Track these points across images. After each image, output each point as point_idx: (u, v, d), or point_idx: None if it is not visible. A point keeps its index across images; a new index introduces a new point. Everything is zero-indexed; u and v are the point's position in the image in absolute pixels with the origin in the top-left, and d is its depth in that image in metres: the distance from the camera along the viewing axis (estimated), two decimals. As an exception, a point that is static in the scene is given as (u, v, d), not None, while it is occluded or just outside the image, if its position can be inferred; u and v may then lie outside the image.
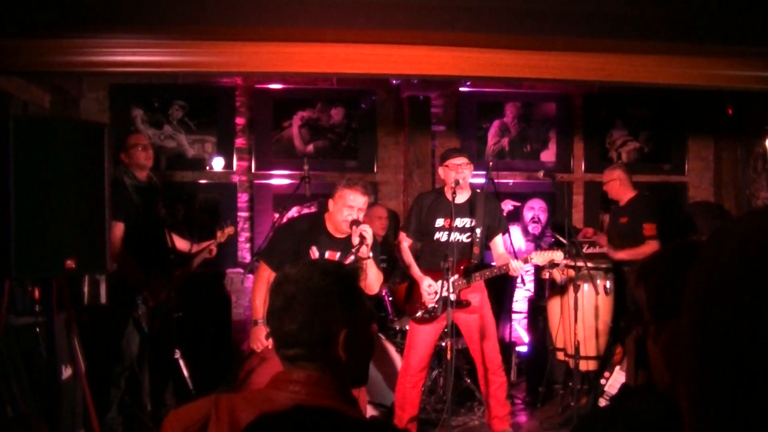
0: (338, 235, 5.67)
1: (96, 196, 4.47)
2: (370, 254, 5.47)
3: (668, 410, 1.68)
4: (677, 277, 1.57)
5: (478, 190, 6.53)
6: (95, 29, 5.63)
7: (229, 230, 7.15)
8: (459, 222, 6.29)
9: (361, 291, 2.33)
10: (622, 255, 7.46)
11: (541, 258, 6.30)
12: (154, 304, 6.37)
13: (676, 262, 1.81)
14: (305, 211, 8.20)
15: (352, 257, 5.49)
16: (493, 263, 6.56)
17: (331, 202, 5.66)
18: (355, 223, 5.47)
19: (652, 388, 1.86)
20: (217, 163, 8.85)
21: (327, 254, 5.67)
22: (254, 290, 5.78)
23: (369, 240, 5.39)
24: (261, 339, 5.54)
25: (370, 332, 2.37)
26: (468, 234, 6.34)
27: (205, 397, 2.14)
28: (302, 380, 2.12)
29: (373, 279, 5.62)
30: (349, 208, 5.52)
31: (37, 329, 5.17)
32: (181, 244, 6.97)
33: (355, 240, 5.40)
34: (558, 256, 6.30)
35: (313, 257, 5.62)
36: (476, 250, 6.35)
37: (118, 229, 6.10)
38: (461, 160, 6.23)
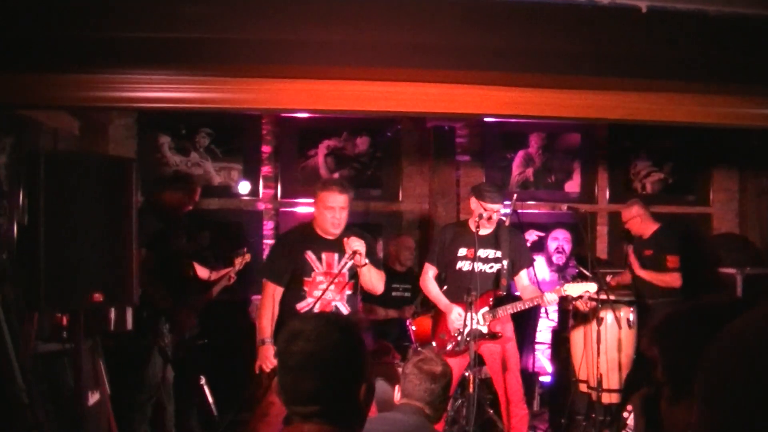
0: (328, 237, 5.79)
1: (123, 230, 4.56)
2: (366, 261, 5.58)
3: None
4: (695, 341, 1.56)
5: (504, 218, 6.55)
6: (124, 65, 5.70)
7: (246, 258, 7.21)
8: (482, 253, 6.32)
9: (363, 339, 2.36)
10: (644, 274, 7.51)
11: (575, 290, 6.32)
12: (181, 334, 6.44)
13: (694, 325, 1.79)
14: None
15: (350, 263, 5.61)
16: (516, 293, 6.59)
17: (315, 210, 5.82)
18: (345, 235, 5.63)
19: None
20: (243, 187, 8.91)
21: (324, 256, 5.80)
22: (260, 309, 5.87)
23: (362, 250, 5.53)
24: (270, 358, 5.58)
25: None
26: (491, 265, 6.37)
27: None
28: None
29: (376, 280, 5.80)
30: (331, 210, 5.67)
31: (64, 356, 5.24)
32: (202, 272, 7.04)
33: (348, 250, 5.53)
34: (592, 287, 6.33)
35: (310, 262, 5.75)
36: (504, 282, 6.37)
37: (142, 255, 6.18)
38: (497, 207, 6.26)
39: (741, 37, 5.36)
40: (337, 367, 2.18)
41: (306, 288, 5.77)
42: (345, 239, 5.59)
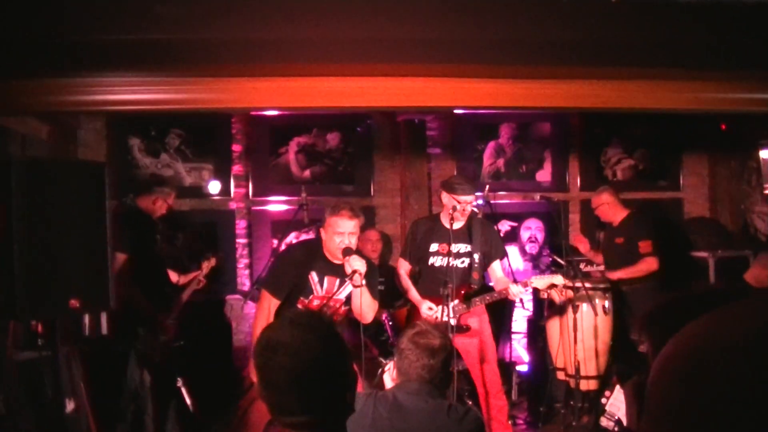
0: (335, 261, 5.68)
1: (98, 234, 4.53)
2: (363, 282, 5.45)
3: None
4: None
5: (476, 210, 6.54)
6: (93, 69, 5.66)
7: (212, 262, 7.21)
8: (454, 247, 6.33)
9: (342, 342, 2.34)
10: (619, 275, 7.51)
11: (541, 282, 6.34)
12: (160, 336, 6.43)
13: (681, 312, 1.81)
14: (304, 236, 8.20)
15: (349, 287, 5.55)
16: (490, 284, 6.61)
17: (322, 231, 5.71)
18: (347, 252, 5.48)
19: None
20: (214, 187, 8.88)
21: (326, 280, 5.71)
22: (256, 320, 5.78)
23: (362, 269, 5.41)
24: None
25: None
26: (463, 259, 6.39)
27: None
28: None
29: (366, 307, 5.60)
30: (340, 234, 5.55)
31: (41, 364, 5.20)
32: (172, 276, 7.04)
33: (348, 269, 5.43)
34: (558, 280, 6.35)
35: (311, 284, 5.67)
36: (475, 275, 6.39)
37: (121, 260, 6.15)
38: (469, 198, 6.28)
39: (710, 23, 5.40)
40: (322, 379, 2.17)
41: (300, 307, 5.71)
42: (346, 257, 5.47)
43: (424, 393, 3.60)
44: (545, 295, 7.24)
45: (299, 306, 5.69)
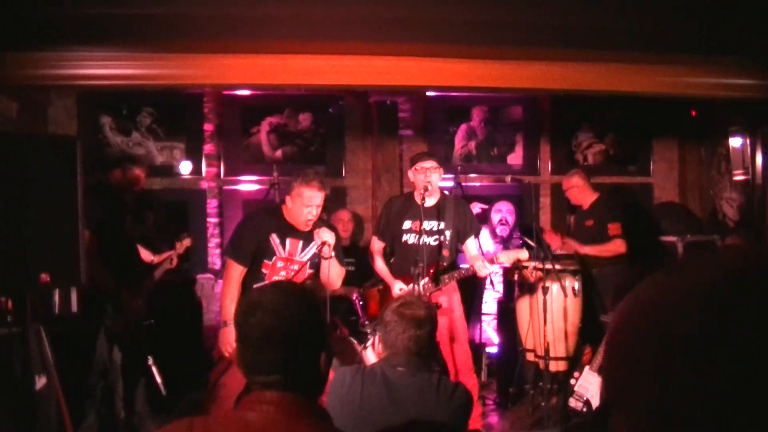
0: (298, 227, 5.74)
1: (69, 210, 4.50)
2: (333, 253, 5.54)
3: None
4: None
5: (447, 193, 6.58)
6: (65, 43, 5.63)
7: (186, 242, 7.19)
8: (427, 225, 6.34)
9: (321, 307, 2.39)
10: (587, 250, 7.59)
11: (507, 257, 6.38)
12: (129, 315, 6.40)
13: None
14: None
15: (312, 251, 5.61)
16: (464, 266, 6.64)
17: (288, 199, 5.73)
18: (316, 225, 5.57)
19: None
20: (185, 167, 8.86)
21: (288, 241, 5.76)
22: (224, 289, 5.80)
23: (331, 241, 5.50)
24: (231, 341, 5.55)
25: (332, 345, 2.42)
26: (436, 237, 6.40)
27: (177, 421, 2.12)
28: (276, 401, 2.14)
29: (335, 275, 5.74)
30: (308, 206, 5.59)
31: (10, 341, 5.17)
32: (145, 255, 7.01)
33: (317, 241, 5.50)
34: (523, 254, 6.40)
35: (273, 246, 5.71)
36: (446, 252, 6.41)
37: (85, 237, 6.12)
38: (430, 164, 6.29)
39: (684, 7, 5.43)
40: (297, 337, 2.20)
41: (265, 271, 5.73)
42: (315, 230, 5.54)
43: (412, 367, 3.57)
44: (516, 277, 7.28)
45: (263, 269, 5.71)
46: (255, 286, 5.66)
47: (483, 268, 6.27)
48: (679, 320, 0.85)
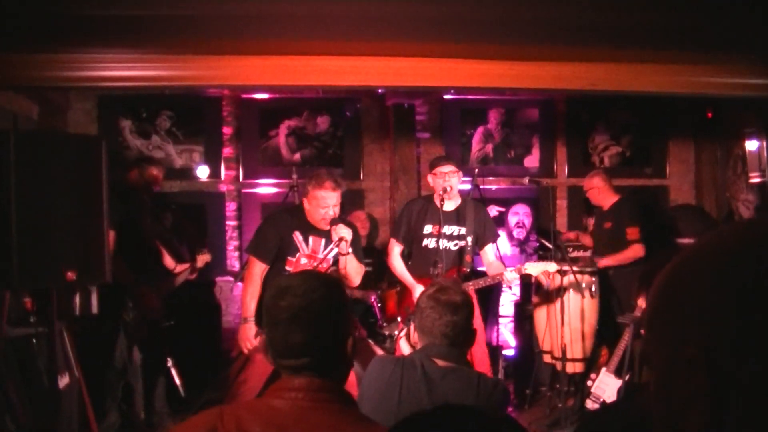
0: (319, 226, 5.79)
1: (95, 208, 4.56)
2: (350, 250, 5.61)
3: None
4: None
5: (469, 197, 6.60)
6: (85, 44, 5.67)
7: (206, 257, 7.21)
8: (447, 229, 6.37)
9: (348, 294, 2.43)
10: (606, 261, 7.52)
11: (535, 269, 6.38)
12: (148, 313, 6.44)
13: None
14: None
15: (335, 250, 5.66)
16: (480, 269, 6.65)
17: (305, 201, 5.77)
18: (333, 222, 5.61)
19: None
20: (202, 172, 8.92)
21: (311, 239, 5.81)
22: (245, 286, 5.82)
23: (348, 237, 5.55)
24: (250, 338, 5.60)
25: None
26: (456, 242, 6.41)
27: (208, 409, 2.16)
28: (304, 387, 2.17)
29: (353, 271, 5.79)
30: (324, 207, 5.63)
31: (34, 339, 5.23)
32: (168, 261, 7.05)
33: (335, 238, 5.55)
34: (552, 267, 6.41)
35: (297, 243, 5.77)
36: (468, 258, 6.43)
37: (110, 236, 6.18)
38: (449, 168, 6.31)
39: (703, 6, 5.43)
40: (325, 319, 2.24)
41: (289, 268, 5.76)
42: (333, 226, 5.59)
43: (452, 359, 3.49)
44: (533, 279, 7.29)
45: (287, 267, 5.76)
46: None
47: (512, 280, 6.33)
48: (738, 268, 0.87)
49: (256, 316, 5.64)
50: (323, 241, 5.79)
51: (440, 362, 3.47)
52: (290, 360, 2.22)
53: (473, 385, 3.44)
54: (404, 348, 3.99)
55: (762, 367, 0.83)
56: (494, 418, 1.83)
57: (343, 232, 5.54)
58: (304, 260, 5.78)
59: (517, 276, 6.36)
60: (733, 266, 0.87)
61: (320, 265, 5.74)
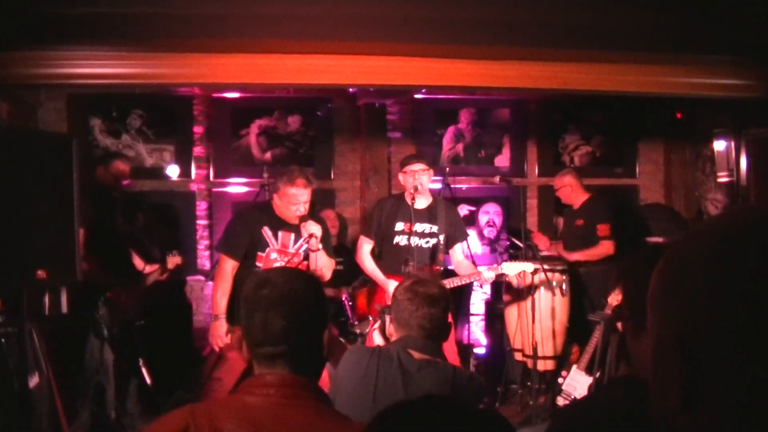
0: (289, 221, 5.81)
1: (65, 206, 4.53)
2: (320, 246, 5.64)
3: (648, 398, 1.77)
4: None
5: (440, 196, 6.62)
6: (55, 42, 5.64)
7: (177, 260, 7.17)
8: (419, 227, 6.37)
9: (322, 286, 2.45)
10: (576, 256, 7.60)
11: (512, 269, 6.41)
12: (120, 312, 6.41)
13: (653, 262, 1.88)
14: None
15: (305, 245, 5.70)
16: (450, 268, 6.67)
17: (275, 197, 5.80)
18: (303, 219, 5.63)
19: (632, 379, 1.94)
20: (173, 171, 8.89)
21: (281, 234, 5.84)
22: (216, 284, 5.85)
23: (318, 234, 5.59)
24: (221, 335, 5.61)
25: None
26: (428, 239, 6.43)
27: (179, 408, 2.16)
28: (277, 383, 2.18)
29: (325, 266, 5.83)
30: (295, 204, 5.67)
31: (3, 339, 5.19)
32: (138, 262, 7.03)
33: (304, 234, 5.59)
34: (529, 267, 6.44)
35: (266, 238, 5.80)
36: (441, 256, 6.45)
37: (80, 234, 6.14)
38: (419, 166, 6.33)
39: (674, 6, 5.48)
40: (305, 307, 2.26)
41: (259, 264, 5.78)
42: (302, 223, 5.62)
43: (428, 352, 3.47)
44: (504, 278, 7.32)
45: (257, 262, 5.78)
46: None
47: (489, 279, 6.37)
48: (740, 253, 0.88)
49: (228, 314, 5.64)
50: (293, 235, 5.81)
51: (416, 354, 3.47)
52: (268, 348, 2.22)
53: (449, 378, 3.44)
54: (377, 341, 3.98)
55: (758, 358, 0.84)
56: (479, 411, 1.86)
57: (313, 228, 5.57)
58: (274, 255, 5.80)
59: (494, 275, 6.39)
60: (737, 252, 0.88)
61: (291, 260, 5.76)
